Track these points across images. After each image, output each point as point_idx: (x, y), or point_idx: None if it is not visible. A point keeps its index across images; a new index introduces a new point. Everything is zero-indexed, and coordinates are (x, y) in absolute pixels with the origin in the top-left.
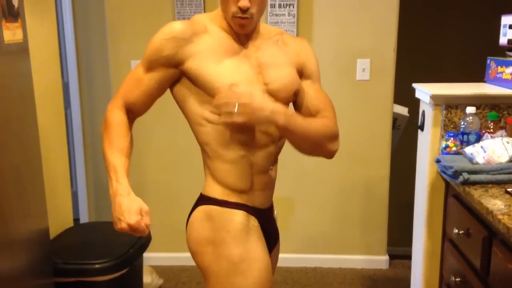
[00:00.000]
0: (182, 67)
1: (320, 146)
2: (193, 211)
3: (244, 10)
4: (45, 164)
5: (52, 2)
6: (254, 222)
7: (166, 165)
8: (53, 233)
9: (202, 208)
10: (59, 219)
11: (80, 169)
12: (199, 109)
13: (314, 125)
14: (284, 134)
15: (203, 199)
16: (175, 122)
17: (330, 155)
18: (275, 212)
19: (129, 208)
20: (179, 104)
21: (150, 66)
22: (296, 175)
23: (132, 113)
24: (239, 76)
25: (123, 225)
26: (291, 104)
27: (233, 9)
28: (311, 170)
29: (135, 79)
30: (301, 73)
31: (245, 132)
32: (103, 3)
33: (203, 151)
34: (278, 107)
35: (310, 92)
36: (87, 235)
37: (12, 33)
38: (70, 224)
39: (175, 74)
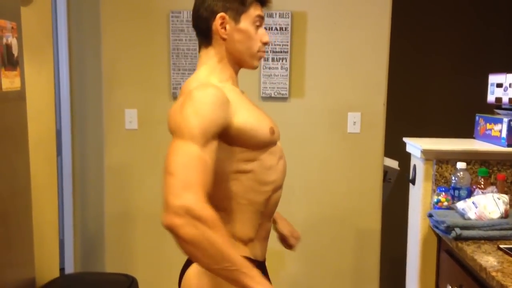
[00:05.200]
0: (230, 127)
1: None
2: (188, 267)
3: (266, 45)
4: (34, 212)
5: (51, 52)
6: None
7: (157, 217)
8: (39, 283)
9: None
10: (45, 269)
11: (68, 217)
12: (234, 165)
13: None
14: None
15: None
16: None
17: None
18: None
19: None
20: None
21: (206, 141)
22: None
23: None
24: (267, 117)
25: None
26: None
27: (259, 44)
28: (301, 222)
29: (201, 162)
30: None
31: (273, 173)
32: (100, 52)
33: (220, 208)
34: None
35: None
36: (73, 286)
37: (10, 81)
38: (56, 274)
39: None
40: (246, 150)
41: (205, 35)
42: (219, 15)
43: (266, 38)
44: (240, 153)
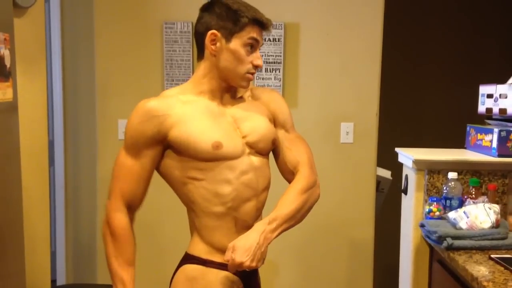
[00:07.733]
0: (167, 139)
1: (308, 209)
2: (176, 271)
3: (257, 68)
4: (25, 223)
5: (44, 62)
6: (238, 284)
7: (151, 225)
8: None
9: (185, 268)
10: (36, 281)
11: (60, 228)
12: (184, 171)
13: (295, 204)
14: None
15: (188, 258)
16: (160, 181)
17: (317, 200)
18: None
19: None
20: (164, 175)
21: (137, 152)
22: (280, 237)
23: (133, 207)
24: (218, 132)
25: None
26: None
27: (248, 66)
28: (295, 232)
29: (127, 171)
30: (274, 122)
31: (229, 187)
32: (93, 63)
33: (190, 210)
34: (260, 231)
35: (285, 143)
36: None
37: (2, 92)
38: (48, 286)
39: (162, 149)
40: (193, 160)
41: (200, 48)
42: (210, 32)
43: (258, 62)
44: (189, 162)
